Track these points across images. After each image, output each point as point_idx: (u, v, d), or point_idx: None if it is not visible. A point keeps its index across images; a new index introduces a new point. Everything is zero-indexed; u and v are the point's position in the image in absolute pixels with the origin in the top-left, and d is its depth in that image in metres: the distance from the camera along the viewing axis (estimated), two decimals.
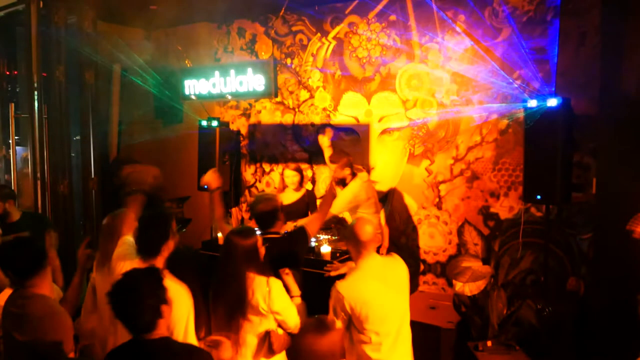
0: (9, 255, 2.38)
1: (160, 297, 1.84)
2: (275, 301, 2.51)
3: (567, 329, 3.73)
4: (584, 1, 3.76)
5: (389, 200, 4.74)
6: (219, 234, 4.57)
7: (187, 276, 2.55)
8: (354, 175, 4.28)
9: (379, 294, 2.56)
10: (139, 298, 1.79)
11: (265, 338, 2.55)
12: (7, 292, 2.49)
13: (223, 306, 2.50)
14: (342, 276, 2.79)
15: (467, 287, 4.34)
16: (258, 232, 2.83)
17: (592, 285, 3.73)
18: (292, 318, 2.57)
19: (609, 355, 3.32)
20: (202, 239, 4.96)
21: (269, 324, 2.55)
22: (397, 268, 2.74)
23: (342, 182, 4.38)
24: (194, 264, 2.81)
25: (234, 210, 5.84)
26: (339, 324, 2.57)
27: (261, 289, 2.52)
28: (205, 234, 5.36)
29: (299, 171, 4.76)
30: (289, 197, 4.74)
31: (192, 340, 2.35)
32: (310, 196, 4.79)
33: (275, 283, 2.56)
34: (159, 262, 2.50)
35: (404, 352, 2.66)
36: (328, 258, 3.81)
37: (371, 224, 2.68)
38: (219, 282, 2.56)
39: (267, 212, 3.09)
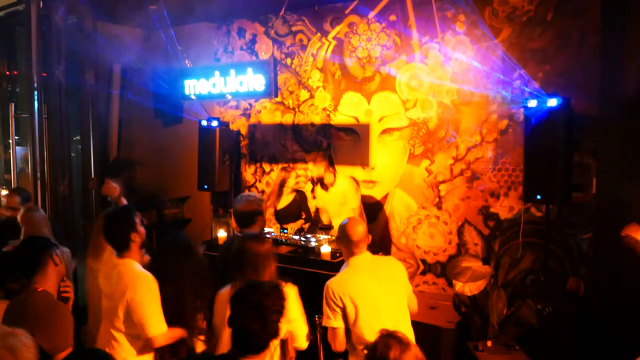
0: (14, 257, 2.46)
1: (277, 324, 1.80)
2: (291, 310, 2.41)
3: (567, 329, 3.73)
4: (584, 1, 3.76)
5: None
6: (219, 234, 4.58)
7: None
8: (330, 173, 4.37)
9: (370, 288, 2.56)
10: (264, 317, 1.74)
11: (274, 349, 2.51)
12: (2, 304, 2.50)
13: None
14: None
15: (467, 287, 4.34)
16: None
17: (592, 285, 3.73)
18: (303, 329, 2.52)
19: (609, 355, 3.33)
20: (202, 239, 4.96)
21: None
22: (391, 266, 2.75)
23: (320, 182, 4.41)
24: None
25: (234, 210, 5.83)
26: (335, 323, 2.57)
27: None
28: (205, 233, 5.37)
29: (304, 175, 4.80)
30: (283, 200, 4.75)
31: (157, 327, 2.40)
32: (302, 197, 4.78)
33: (292, 290, 2.50)
34: (134, 254, 2.58)
35: None
36: (328, 258, 3.81)
37: (362, 224, 2.71)
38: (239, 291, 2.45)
39: (245, 213, 3.14)
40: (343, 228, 2.68)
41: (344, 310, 2.54)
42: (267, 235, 2.71)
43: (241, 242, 2.51)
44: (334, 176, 4.43)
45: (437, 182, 4.51)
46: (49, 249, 2.41)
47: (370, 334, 2.52)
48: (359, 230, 2.64)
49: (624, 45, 3.41)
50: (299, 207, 4.67)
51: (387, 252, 4.68)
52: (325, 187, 4.43)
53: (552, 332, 3.73)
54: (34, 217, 3.57)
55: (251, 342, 1.73)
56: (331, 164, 4.47)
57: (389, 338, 1.83)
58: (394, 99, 4.72)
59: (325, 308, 2.58)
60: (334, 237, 4.22)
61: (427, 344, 3.42)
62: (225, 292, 2.46)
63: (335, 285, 2.57)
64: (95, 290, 2.97)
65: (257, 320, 1.70)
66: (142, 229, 2.64)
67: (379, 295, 2.57)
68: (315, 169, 4.37)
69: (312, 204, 4.58)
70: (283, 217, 4.70)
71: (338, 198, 4.42)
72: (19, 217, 3.56)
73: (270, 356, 1.86)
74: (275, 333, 1.76)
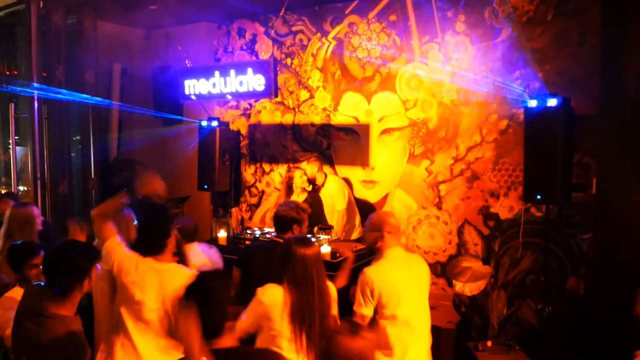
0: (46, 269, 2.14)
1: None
2: (333, 309, 2.47)
3: (567, 329, 3.73)
4: (584, 1, 3.76)
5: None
6: (219, 234, 4.58)
7: None
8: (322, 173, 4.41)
9: (406, 284, 2.58)
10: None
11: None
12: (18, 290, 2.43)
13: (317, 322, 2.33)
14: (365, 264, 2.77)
15: (467, 287, 4.34)
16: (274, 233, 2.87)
17: (592, 285, 3.73)
18: None
19: (608, 355, 3.33)
20: (201, 239, 4.94)
21: None
22: (421, 266, 2.78)
23: (312, 182, 4.43)
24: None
25: (234, 210, 5.84)
26: (366, 310, 2.56)
27: None
28: (205, 234, 5.35)
29: (305, 173, 4.80)
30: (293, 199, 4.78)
31: None
32: (313, 197, 4.80)
33: (333, 288, 2.51)
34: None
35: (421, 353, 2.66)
36: (328, 258, 3.81)
37: (394, 216, 2.75)
38: (300, 296, 2.34)
39: (281, 217, 3.14)
40: (377, 218, 2.70)
41: (378, 300, 2.54)
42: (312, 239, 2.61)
43: (288, 245, 2.42)
44: (325, 178, 4.45)
45: (437, 182, 4.51)
46: (88, 271, 2.12)
47: (398, 330, 2.53)
48: (393, 221, 2.69)
49: (624, 45, 3.42)
50: (310, 207, 4.69)
51: None
52: (316, 186, 4.46)
53: (552, 332, 3.73)
54: (23, 212, 3.24)
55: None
56: (330, 164, 4.48)
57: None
58: (394, 99, 4.72)
59: (359, 294, 2.57)
60: (334, 237, 4.23)
61: None
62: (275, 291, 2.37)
63: (374, 273, 2.56)
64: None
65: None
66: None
67: (412, 293, 2.59)
68: (308, 167, 4.39)
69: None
70: None
71: (326, 199, 4.44)
72: (6, 214, 3.26)
73: None
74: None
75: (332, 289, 2.50)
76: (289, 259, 2.36)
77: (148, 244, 2.49)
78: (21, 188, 5.70)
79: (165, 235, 2.50)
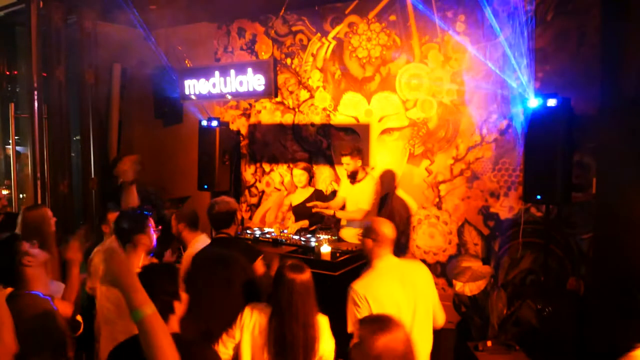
0: None
1: (173, 293, 1.81)
2: (323, 344, 2.28)
3: (567, 329, 3.73)
4: (584, 1, 3.77)
5: (388, 200, 4.76)
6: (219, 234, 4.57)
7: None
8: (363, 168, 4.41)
9: (395, 294, 2.46)
10: (152, 293, 1.73)
11: None
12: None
13: (291, 351, 2.21)
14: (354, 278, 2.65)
15: (467, 287, 4.34)
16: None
17: (592, 285, 3.73)
18: None
19: (608, 355, 3.32)
20: None
21: None
22: (417, 271, 2.63)
23: (353, 176, 4.42)
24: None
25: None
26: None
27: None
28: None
29: (307, 170, 4.80)
30: (298, 196, 4.79)
31: None
32: (317, 195, 4.80)
33: (324, 320, 2.34)
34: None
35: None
36: (328, 258, 3.81)
37: (390, 224, 2.61)
38: (282, 324, 2.24)
39: (224, 214, 3.24)
40: (371, 227, 2.58)
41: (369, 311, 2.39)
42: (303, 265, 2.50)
43: (281, 269, 2.32)
44: (365, 175, 4.42)
45: (437, 182, 4.51)
46: (16, 253, 2.20)
47: None
48: (387, 230, 2.56)
49: (624, 45, 3.41)
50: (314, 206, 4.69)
51: None
52: (353, 180, 4.44)
53: (552, 332, 3.73)
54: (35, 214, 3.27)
55: None
56: (330, 163, 4.47)
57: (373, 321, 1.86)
58: (394, 99, 4.72)
59: (351, 312, 2.43)
60: (334, 238, 4.22)
61: None
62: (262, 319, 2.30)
63: (361, 287, 2.45)
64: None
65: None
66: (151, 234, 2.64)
67: (403, 303, 2.45)
68: (352, 162, 4.36)
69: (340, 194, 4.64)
70: (297, 213, 4.75)
71: (356, 194, 4.42)
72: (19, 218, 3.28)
73: None
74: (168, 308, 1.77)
75: (323, 321, 2.32)
76: (278, 283, 2.28)
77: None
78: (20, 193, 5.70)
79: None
